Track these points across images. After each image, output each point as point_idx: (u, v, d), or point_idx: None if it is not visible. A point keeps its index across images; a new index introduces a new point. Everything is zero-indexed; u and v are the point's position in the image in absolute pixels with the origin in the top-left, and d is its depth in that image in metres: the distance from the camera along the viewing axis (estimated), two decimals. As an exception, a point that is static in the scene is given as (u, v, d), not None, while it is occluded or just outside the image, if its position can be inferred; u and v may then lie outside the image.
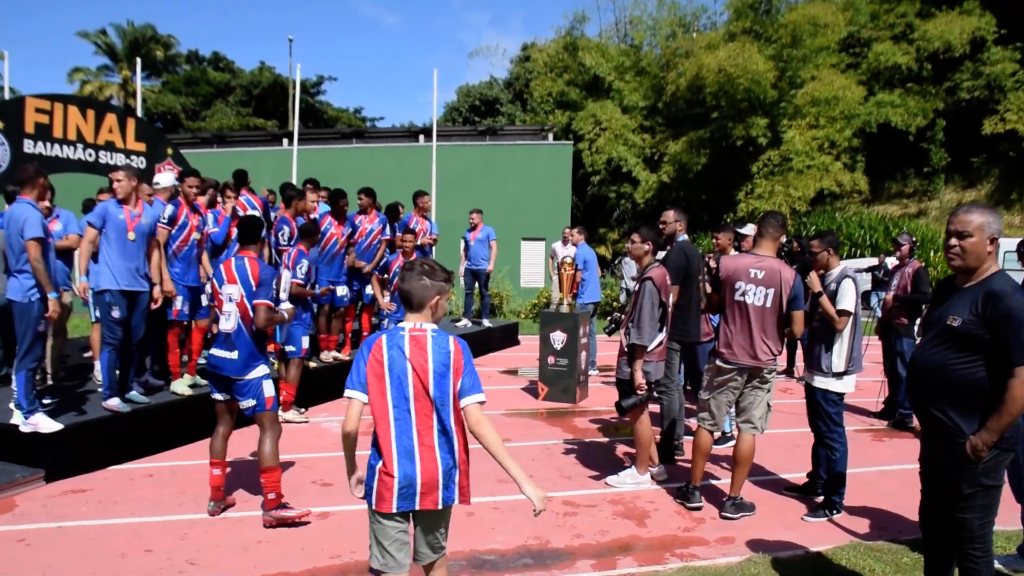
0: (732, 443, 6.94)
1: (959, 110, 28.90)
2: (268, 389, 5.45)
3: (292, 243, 8.51)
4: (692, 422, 6.61)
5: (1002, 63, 27.77)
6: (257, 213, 9.09)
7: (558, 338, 9.43)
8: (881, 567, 4.68)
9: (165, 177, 8.16)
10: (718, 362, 5.47)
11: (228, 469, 5.81)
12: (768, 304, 5.33)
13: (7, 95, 14.62)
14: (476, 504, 5.76)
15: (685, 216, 7.16)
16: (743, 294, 5.34)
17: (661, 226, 6.84)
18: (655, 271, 5.85)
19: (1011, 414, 3.26)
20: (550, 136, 26.14)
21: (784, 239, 5.63)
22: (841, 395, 5.61)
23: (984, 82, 28.08)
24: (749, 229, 8.04)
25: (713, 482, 6.34)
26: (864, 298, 9.80)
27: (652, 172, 30.03)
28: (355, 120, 49.82)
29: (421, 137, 24.72)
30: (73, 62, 77.39)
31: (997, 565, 4.14)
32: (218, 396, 5.50)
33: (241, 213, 8.67)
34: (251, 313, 5.37)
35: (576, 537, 5.20)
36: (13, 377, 6.30)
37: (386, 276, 9.17)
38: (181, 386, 7.61)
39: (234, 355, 5.34)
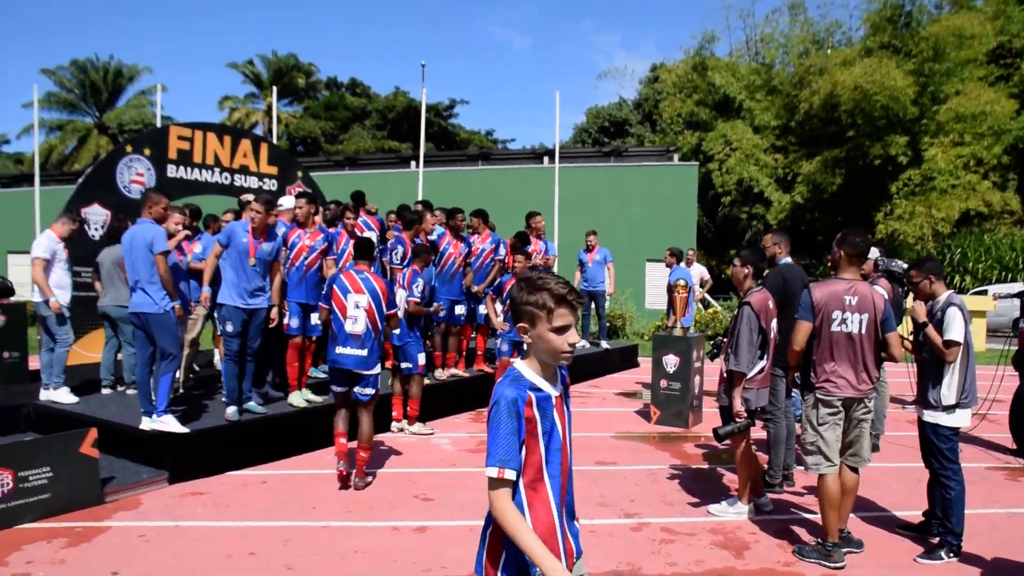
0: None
1: None
2: (378, 384, 6.67)
3: (405, 263, 8.76)
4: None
5: None
6: (373, 234, 9.43)
7: (671, 361, 9.28)
8: (999, 615, 4.35)
9: (287, 200, 8.61)
10: (819, 396, 5.14)
11: (345, 438, 6.73)
12: (864, 331, 5.06)
13: (159, 123, 15.67)
14: (572, 526, 5.74)
15: (786, 238, 6.93)
16: (841, 323, 5.06)
17: (763, 249, 6.65)
18: (755, 296, 5.68)
19: None
20: (675, 157, 25.86)
21: (891, 264, 5.36)
22: (954, 430, 5.26)
23: None
24: (873, 253, 7.70)
25: (810, 516, 6.05)
26: (1013, 325, 9.22)
27: (785, 192, 29.20)
28: (486, 142, 50.74)
29: (545, 159, 24.93)
30: (223, 91, 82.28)
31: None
32: (339, 389, 6.60)
33: (357, 233, 9.03)
34: (379, 320, 6.53)
35: (669, 565, 5.08)
36: (155, 379, 6.77)
37: (500, 296, 9.28)
38: (297, 399, 7.92)
39: (364, 352, 6.47)
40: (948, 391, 5.19)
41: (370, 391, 6.58)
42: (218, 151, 11.39)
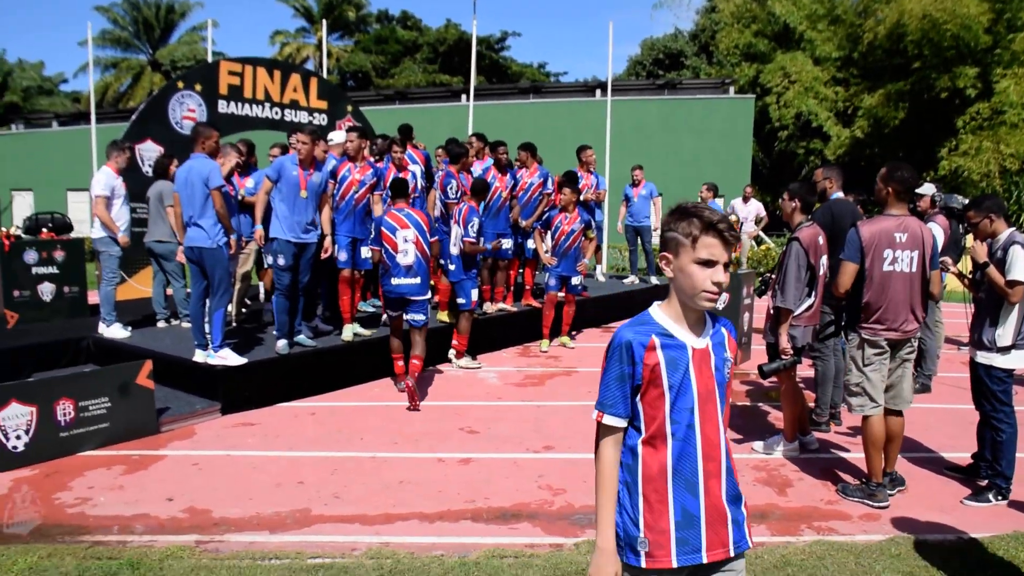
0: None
1: None
2: (427, 310, 7.30)
3: (458, 197, 8.75)
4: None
5: None
6: (418, 168, 9.42)
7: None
8: (1046, 560, 4.28)
9: (337, 135, 8.61)
10: (865, 337, 5.00)
11: (402, 360, 7.53)
12: (915, 269, 4.90)
13: (211, 59, 15.74)
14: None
15: (838, 173, 6.71)
16: (892, 262, 4.89)
17: (814, 184, 6.47)
18: (804, 231, 5.54)
19: None
20: (731, 90, 25.22)
21: (950, 200, 5.15)
22: (1009, 371, 5.11)
23: None
24: (927, 188, 7.46)
25: (856, 456, 5.96)
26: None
27: (844, 127, 28.31)
28: (539, 75, 50.00)
29: (598, 92, 24.52)
30: (274, 26, 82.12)
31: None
32: (394, 314, 7.30)
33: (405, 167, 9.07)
34: (426, 248, 7.17)
35: (711, 500, 5.09)
36: (209, 315, 6.92)
37: (547, 231, 9.24)
38: (348, 332, 8.03)
39: (416, 280, 7.13)
40: (1004, 331, 5.03)
41: (422, 317, 7.21)
42: (268, 86, 11.42)
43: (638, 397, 2.21)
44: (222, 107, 10.82)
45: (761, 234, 18.83)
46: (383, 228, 7.19)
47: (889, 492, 5.14)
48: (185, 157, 7.24)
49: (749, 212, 14.77)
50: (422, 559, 4.13)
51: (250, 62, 11.31)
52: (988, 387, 5.15)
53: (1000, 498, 5.12)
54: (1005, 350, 5.03)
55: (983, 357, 5.13)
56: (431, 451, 5.94)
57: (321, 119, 12.11)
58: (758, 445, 6.12)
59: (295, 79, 11.85)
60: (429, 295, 7.33)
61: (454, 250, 8.22)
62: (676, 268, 2.17)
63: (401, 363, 7.51)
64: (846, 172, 7.01)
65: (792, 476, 5.60)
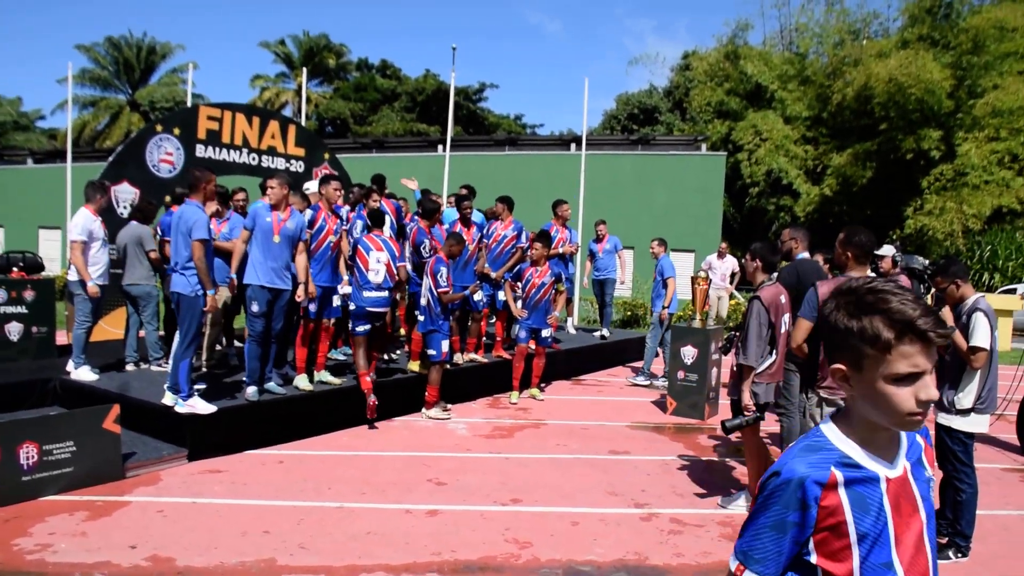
0: None
1: None
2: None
3: (431, 254, 8.86)
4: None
5: None
6: (388, 218, 9.54)
7: (688, 353, 9.30)
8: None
9: (313, 184, 8.71)
10: (823, 396, 5.08)
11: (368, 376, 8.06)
12: None
13: (190, 101, 15.82)
14: (584, 514, 5.81)
15: (804, 234, 6.89)
16: None
17: (780, 244, 6.64)
18: (765, 290, 5.67)
19: None
20: (704, 146, 25.70)
21: (911, 260, 5.30)
22: (969, 434, 5.24)
23: None
24: (887, 250, 7.66)
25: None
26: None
27: (814, 185, 28.93)
28: (515, 127, 50.64)
29: (573, 145, 24.88)
30: (255, 69, 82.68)
31: None
32: (362, 328, 8.02)
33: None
34: (395, 272, 8.15)
35: (676, 556, 5.13)
36: (174, 364, 6.88)
37: (518, 283, 9.35)
38: (303, 381, 7.98)
39: (384, 294, 8.07)
40: (965, 395, 5.15)
41: (380, 321, 8.25)
42: (246, 132, 11.50)
43: (810, 551, 1.64)
44: (200, 152, 10.88)
45: (734, 291, 19.06)
46: (359, 247, 8.04)
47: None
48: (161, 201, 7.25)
49: (725, 268, 14.99)
50: (387, 612, 4.12)
51: (229, 108, 11.40)
52: (949, 447, 5.26)
53: (959, 555, 5.21)
54: (965, 412, 5.15)
55: (944, 419, 5.26)
56: (398, 502, 5.92)
57: (298, 166, 12.20)
58: (724, 500, 6.18)
59: (273, 126, 11.96)
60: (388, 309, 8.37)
61: (422, 302, 8.35)
62: (860, 385, 1.61)
63: (366, 378, 8.00)
64: (812, 233, 7.18)
65: (757, 532, 5.64)
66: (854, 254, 5.13)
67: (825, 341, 1.70)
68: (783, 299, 5.75)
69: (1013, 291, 20.90)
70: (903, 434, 1.71)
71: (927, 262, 7.69)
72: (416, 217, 9.54)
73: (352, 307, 8.11)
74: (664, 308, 10.77)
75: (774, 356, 5.70)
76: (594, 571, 4.83)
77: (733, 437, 7.91)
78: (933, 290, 7.15)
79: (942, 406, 5.25)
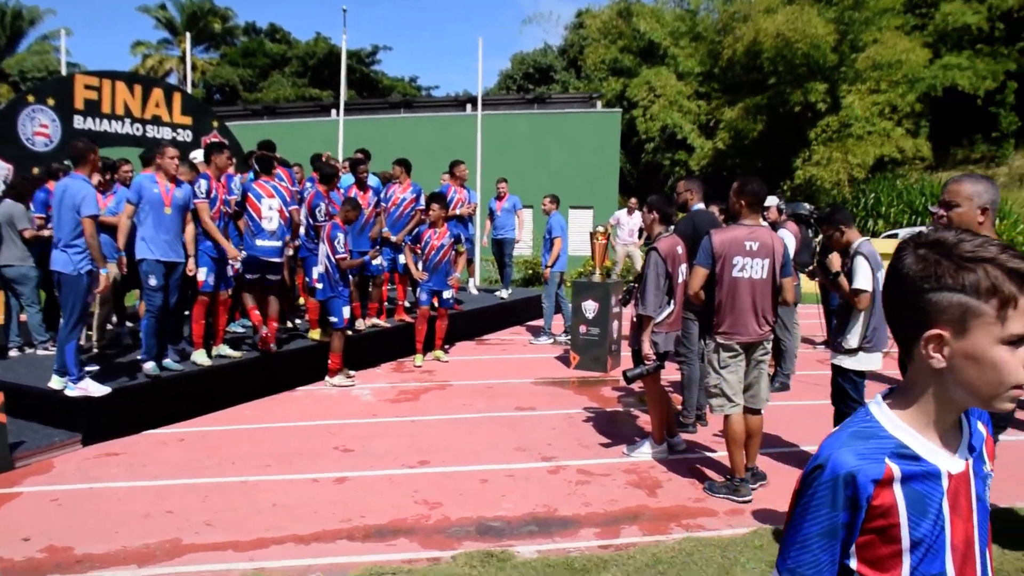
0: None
1: (1032, 70, 27.73)
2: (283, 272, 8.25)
3: (326, 219, 8.68)
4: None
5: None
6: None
7: (590, 307, 9.43)
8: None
9: (199, 153, 8.40)
10: (720, 341, 5.27)
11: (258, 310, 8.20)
12: (765, 275, 5.21)
13: (64, 70, 15.03)
14: (492, 471, 5.87)
15: (699, 185, 7.05)
16: (742, 269, 5.18)
17: (676, 196, 6.78)
18: (663, 241, 5.78)
19: None
20: (599, 104, 25.91)
21: (797, 207, 5.49)
22: (859, 372, 5.48)
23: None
24: (771, 200, 7.90)
25: (722, 454, 6.23)
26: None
27: (707, 139, 29.55)
28: (410, 89, 49.96)
29: (468, 106, 24.73)
30: (134, 36, 78.94)
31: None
32: (252, 276, 8.04)
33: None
34: (288, 216, 8.11)
35: (585, 506, 5.25)
36: (60, 346, 6.56)
37: (418, 246, 9.27)
38: (201, 356, 7.75)
39: (278, 244, 8.04)
40: (851, 336, 5.37)
41: (277, 277, 8.23)
42: (128, 101, 11.00)
43: (850, 555, 1.41)
44: (78, 123, 10.35)
45: (644, 246, 19.42)
46: (250, 194, 8.03)
47: (752, 487, 5.42)
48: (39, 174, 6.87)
49: (634, 224, 15.18)
50: (297, 582, 4.09)
51: (108, 76, 10.87)
52: (840, 386, 5.50)
53: None
54: (852, 352, 5.38)
55: (835, 359, 5.48)
56: (305, 472, 5.86)
57: (186, 135, 11.75)
58: (628, 449, 6.33)
59: (157, 94, 11.47)
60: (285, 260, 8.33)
61: (319, 269, 8.21)
62: (959, 353, 1.33)
63: (257, 312, 8.17)
64: (707, 184, 7.35)
65: (661, 477, 5.82)
66: (747, 202, 5.28)
67: (905, 305, 1.39)
68: (680, 250, 5.88)
69: (895, 236, 21.90)
70: (965, 422, 1.47)
71: (812, 208, 7.98)
72: (313, 181, 9.33)
73: (243, 255, 7.96)
74: (547, 267, 10.81)
75: (672, 306, 5.83)
76: (505, 526, 4.89)
77: (635, 386, 8.11)
78: (820, 235, 7.44)
79: (835, 347, 5.48)
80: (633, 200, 15.95)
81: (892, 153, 26.03)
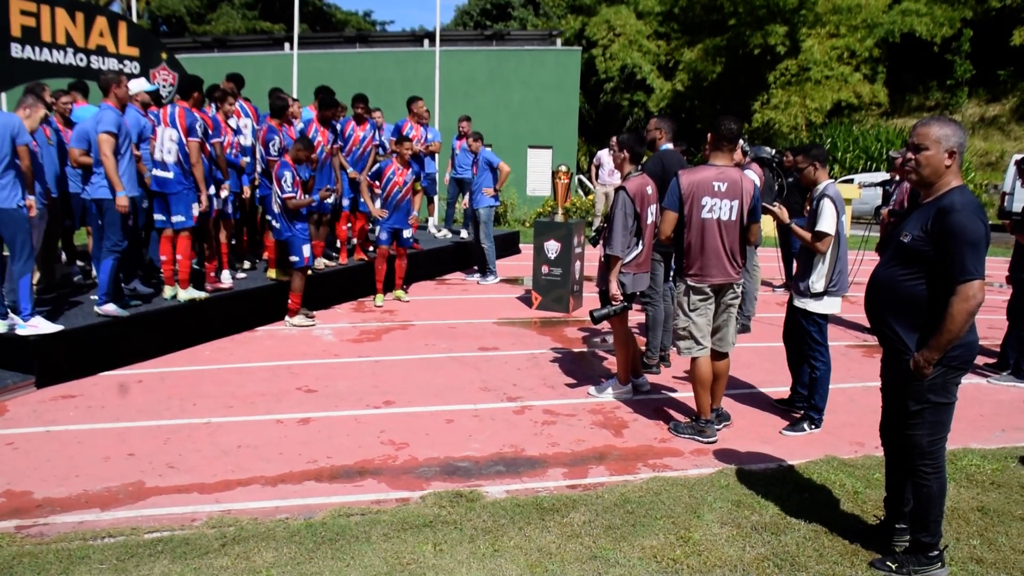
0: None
1: (988, 20, 27.89)
2: (195, 210, 7.40)
3: (280, 153, 8.46)
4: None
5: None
6: (249, 122, 9.03)
7: (552, 247, 9.38)
8: (852, 482, 4.68)
9: (138, 83, 7.96)
10: (690, 284, 5.25)
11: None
12: (734, 217, 5.17)
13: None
14: (457, 411, 5.85)
15: (669, 124, 6.97)
16: (711, 210, 5.13)
17: (645, 134, 6.70)
18: (632, 181, 5.70)
19: (951, 332, 3.23)
20: (558, 42, 25.53)
21: (760, 150, 5.45)
22: (824, 316, 5.53)
23: (1018, -12, 27.03)
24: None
25: (686, 395, 6.26)
26: (875, 213, 9.65)
27: (666, 80, 29.44)
28: (364, 23, 48.76)
29: (426, 42, 24.20)
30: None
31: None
32: (160, 217, 7.49)
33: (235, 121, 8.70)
34: (181, 148, 7.31)
35: (551, 446, 5.26)
36: (12, 283, 6.36)
37: (378, 183, 9.08)
38: (188, 293, 7.60)
39: (169, 175, 7.31)
40: (817, 279, 5.40)
41: (179, 217, 7.35)
42: (70, 29, 10.49)
43: None
44: (16, 51, 9.85)
45: (588, 183, 19.39)
46: (151, 118, 7.59)
47: (716, 427, 5.48)
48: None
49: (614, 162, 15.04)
50: (266, 524, 4.03)
51: (47, 1, 10.35)
52: (805, 329, 5.55)
53: (813, 427, 5.58)
54: (818, 296, 5.42)
55: (800, 302, 5.52)
56: (268, 413, 5.77)
57: (133, 67, 11.29)
58: (594, 389, 6.35)
59: (101, 22, 10.96)
60: (190, 197, 7.40)
61: (274, 208, 8.00)
62: None
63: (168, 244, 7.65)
64: (676, 124, 7.27)
65: (627, 418, 5.85)
66: (715, 136, 5.22)
67: None
68: (649, 190, 5.81)
69: (851, 181, 22.14)
70: None
71: (774, 151, 7.97)
72: (264, 117, 9.05)
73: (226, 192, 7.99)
74: (496, 190, 10.81)
75: (641, 247, 5.78)
76: (472, 466, 4.89)
77: (600, 327, 8.12)
78: (780, 180, 7.44)
79: (799, 290, 5.50)
80: (614, 139, 15.82)
81: (849, 98, 26.19)
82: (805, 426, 5.58)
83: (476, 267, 11.69)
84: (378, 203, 9.09)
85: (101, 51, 10.87)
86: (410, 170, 9.18)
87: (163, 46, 12.61)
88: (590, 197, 19.44)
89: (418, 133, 11.26)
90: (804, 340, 5.59)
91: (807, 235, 5.36)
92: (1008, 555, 3.84)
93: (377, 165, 9.29)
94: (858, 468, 4.92)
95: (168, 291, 7.65)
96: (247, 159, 8.94)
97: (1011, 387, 6.89)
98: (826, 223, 5.28)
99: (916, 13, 26.73)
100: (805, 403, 5.71)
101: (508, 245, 14.49)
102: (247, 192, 8.99)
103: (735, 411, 5.94)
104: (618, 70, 29.23)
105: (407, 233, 9.45)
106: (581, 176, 22.84)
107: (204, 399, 6.06)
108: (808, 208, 5.58)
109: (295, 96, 12.71)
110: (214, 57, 24.44)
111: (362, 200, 9.69)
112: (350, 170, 9.74)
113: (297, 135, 8.59)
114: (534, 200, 21.71)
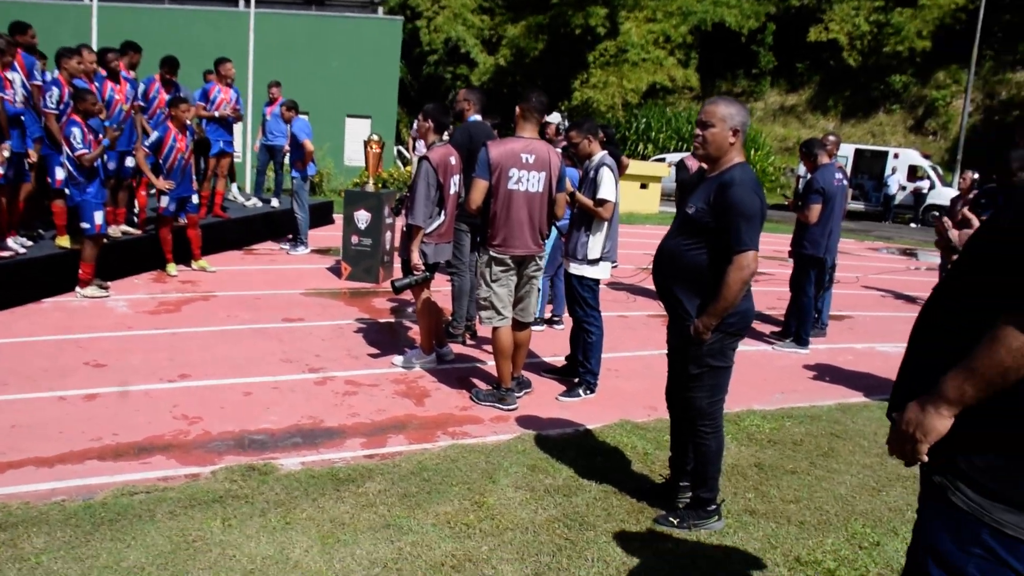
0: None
1: (789, 16, 29.94)
2: None
3: (63, 108, 7.85)
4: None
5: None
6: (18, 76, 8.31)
7: (362, 217, 9.29)
8: (643, 444, 4.93)
9: None
10: (493, 254, 5.30)
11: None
12: (541, 189, 5.27)
13: None
14: (256, 383, 5.72)
15: (478, 96, 7.05)
16: (518, 181, 5.20)
17: (454, 105, 6.76)
18: (435, 151, 5.72)
19: (727, 299, 3.48)
20: (380, 10, 25.14)
21: (596, 128, 5.64)
22: (597, 281, 5.75)
23: (815, -10, 29.14)
24: (553, 117, 8.08)
25: (490, 364, 6.28)
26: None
27: (490, 55, 29.68)
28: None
29: (241, 2, 23.18)
30: None
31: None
32: None
33: None
34: None
35: (351, 416, 5.24)
36: None
37: (159, 151, 8.52)
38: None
39: None
40: (595, 246, 5.64)
41: None
42: None
43: None
44: None
45: (407, 153, 19.30)
46: None
47: (517, 395, 5.63)
48: None
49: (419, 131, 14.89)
50: (39, 507, 3.77)
51: None
52: (579, 294, 5.77)
53: (589, 392, 5.84)
54: (594, 262, 5.66)
55: (575, 268, 5.73)
56: (50, 390, 5.39)
57: None
58: (397, 359, 6.36)
59: None
60: None
61: (61, 172, 7.45)
62: None
63: None
64: (486, 96, 7.35)
65: (430, 387, 5.92)
66: (523, 108, 5.29)
67: None
68: (453, 160, 5.86)
69: (663, 160, 23.21)
70: None
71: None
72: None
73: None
74: (302, 165, 10.65)
75: (443, 217, 5.83)
76: (268, 439, 4.80)
77: (406, 296, 8.13)
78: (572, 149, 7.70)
79: (575, 256, 5.71)
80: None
81: (664, 81, 27.44)
82: (581, 391, 5.81)
83: (291, 236, 11.41)
84: (160, 176, 8.55)
85: None
86: (188, 135, 8.73)
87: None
88: (407, 168, 19.40)
89: (227, 96, 10.80)
90: (580, 306, 5.78)
91: (589, 202, 5.57)
92: (778, 506, 4.19)
93: (155, 135, 8.69)
94: (650, 431, 5.18)
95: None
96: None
97: (792, 353, 7.51)
98: (607, 190, 5.52)
99: (727, 4, 28.37)
100: (582, 368, 5.87)
101: (322, 215, 14.22)
102: (33, 156, 8.23)
103: (536, 380, 6.13)
104: (442, 42, 29.22)
105: (195, 199, 9.07)
106: (400, 147, 22.70)
107: (-26, 375, 5.60)
108: (584, 178, 5.79)
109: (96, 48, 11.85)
110: (5, 2, 22.36)
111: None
112: (153, 135, 9.17)
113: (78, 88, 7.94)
114: (351, 170, 21.36)
